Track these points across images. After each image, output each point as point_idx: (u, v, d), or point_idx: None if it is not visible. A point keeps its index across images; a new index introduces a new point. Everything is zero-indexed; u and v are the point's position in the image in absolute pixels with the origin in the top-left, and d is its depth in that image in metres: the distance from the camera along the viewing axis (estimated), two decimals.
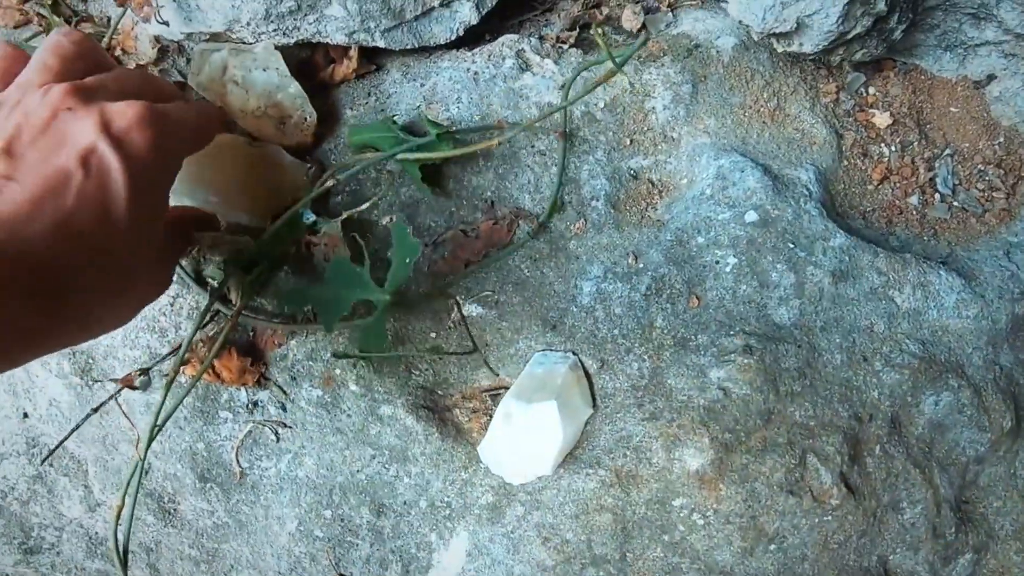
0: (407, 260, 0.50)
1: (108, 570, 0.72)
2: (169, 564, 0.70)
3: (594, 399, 0.59)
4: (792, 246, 0.58)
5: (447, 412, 0.61)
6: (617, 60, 0.47)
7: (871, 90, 0.70)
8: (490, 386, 0.63)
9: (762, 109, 0.65)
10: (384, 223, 0.61)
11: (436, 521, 0.62)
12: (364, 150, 0.60)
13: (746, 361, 0.55)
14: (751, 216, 0.58)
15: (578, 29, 0.69)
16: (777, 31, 0.57)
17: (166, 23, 0.63)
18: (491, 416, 0.62)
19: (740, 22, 0.61)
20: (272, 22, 0.61)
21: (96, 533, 0.70)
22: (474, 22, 0.67)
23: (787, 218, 0.59)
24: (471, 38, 0.70)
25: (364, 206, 0.55)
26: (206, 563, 0.69)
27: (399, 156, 0.56)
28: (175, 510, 0.67)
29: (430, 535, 0.63)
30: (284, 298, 0.59)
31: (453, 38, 0.68)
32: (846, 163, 0.66)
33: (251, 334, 0.62)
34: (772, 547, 0.56)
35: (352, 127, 0.61)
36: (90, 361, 0.63)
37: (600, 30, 0.56)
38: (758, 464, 0.54)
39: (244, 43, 0.66)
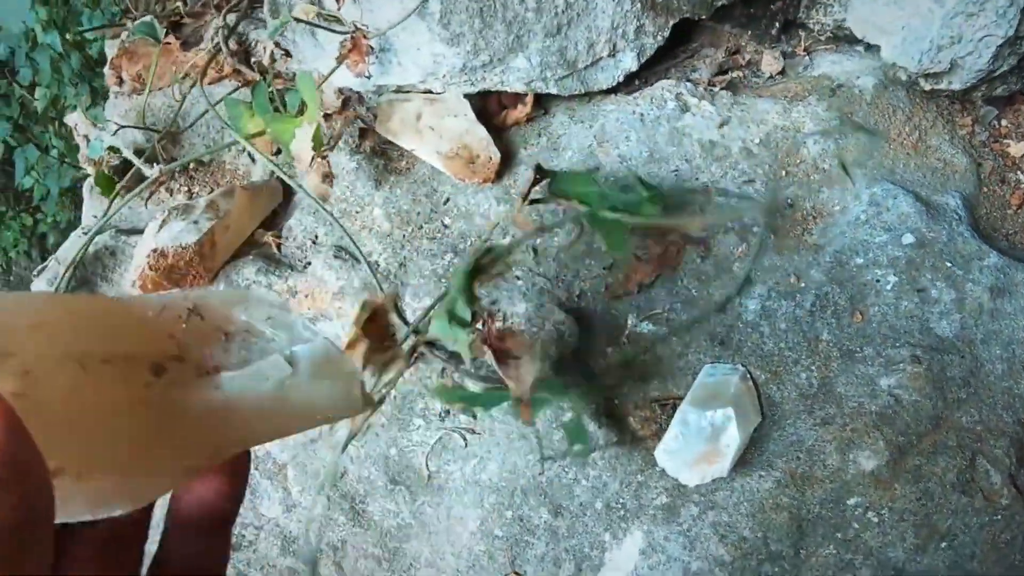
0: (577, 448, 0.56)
1: (298, 568, 0.79)
2: (353, 562, 0.77)
3: (761, 408, 0.65)
4: (949, 265, 0.63)
5: (623, 420, 0.67)
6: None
7: (1003, 122, 0.75)
8: (659, 396, 0.69)
9: (905, 141, 0.71)
10: None
11: (611, 521, 0.68)
12: (564, 197, 0.67)
13: (915, 370, 0.59)
14: (908, 238, 0.64)
15: (728, 72, 0.76)
16: (931, 71, 0.63)
17: (368, 76, 0.73)
18: (661, 424, 0.67)
19: (892, 63, 0.67)
20: (464, 74, 0.70)
21: (290, 532, 0.77)
22: (634, 69, 0.75)
23: (942, 240, 0.64)
24: (624, 83, 0.78)
25: (554, 247, 0.62)
26: (387, 561, 0.76)
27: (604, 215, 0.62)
28: (364, 511, 0.74)
29: (604, 535, 0.68)
30: None
31: (614, 84, 0.75)
32: (985, 189, 0.71)
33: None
34: (943, 545, 0.60)
35: (559, 174, 0.68)
36: None
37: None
38: (930, 465, 0.59)
39: (432, 92, 0.74)
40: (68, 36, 1.66)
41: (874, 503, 0.60)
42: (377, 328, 0.44)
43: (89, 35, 1.64)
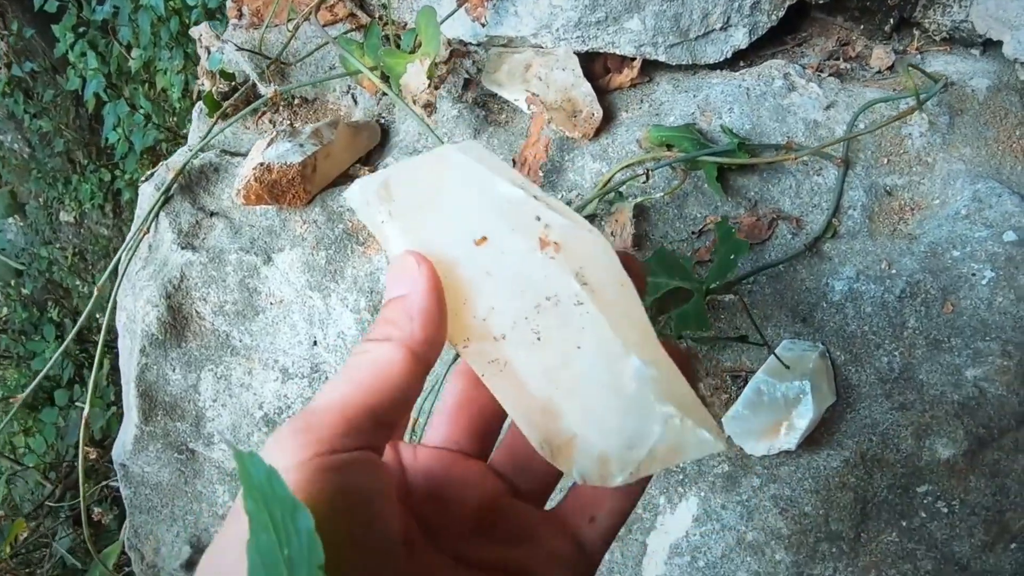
0: (731, 256, 0.57)
1: None
2: None
3: (837, 389, 0.64)
4: None
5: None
6: (920, 99, 0.54)
7: None
8: (732, 367, 0.69)
9: (1015, 145, 0.70)
10: (705, 217, 0.68)
11: (668, 485, 0.68)
12: (661, 146, 0.68)
13: (1004, 364, 0.58)
14: (1010, 236, 0.63)
15: (840, 59, 0.76)
16: None
17: (484, 24, 0.75)
18: (731, 395, 0.67)
19: (1014, 59, 0.66)
20: (578, 29, 0.71)
21: None
22: (744, 46, 0.75)
23: None
24: (730, 62, 0.79)
25: (659, 194, 0.63)
26: None
27: (703, 158, 0.64)
28: None
29: (659, 498, 0.68)
30: None
31: (721, 59, 0.76)
32: None
33: None
34: (1013, 546, 0.58)
35: (655, 126, 0.70)
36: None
37: (908, 70, 0.63)
38: (1009, 461, 0.57)
39: (542, 47, 0.76)
40: (171, 2, 1.73)
41: (945, 493, 0.59)
42: None
43: (190, 2, 1.71)
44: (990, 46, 0.74)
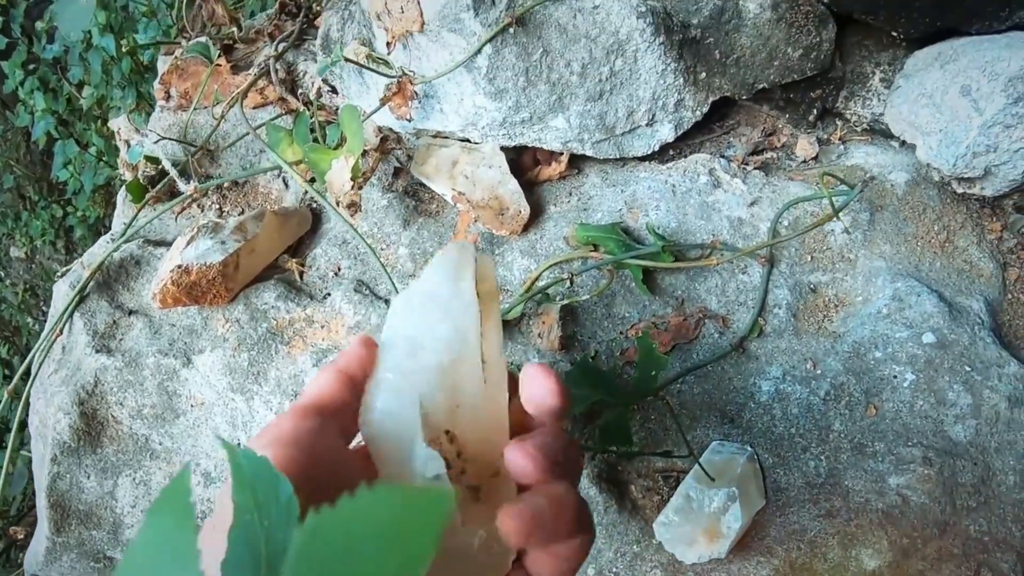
0: (652, 373, 0.56)
1: None
2: None
3: (766, 491, 0.64)
4: (969, 369, 0.62)
5: (625, 487, 0.67)
6: (836, 206, 0.55)
7: None
8: (664, 467, 0.68)
9: (933, 240, 0.71)
10: (633, 317, 0.68)
11: None
12: (588, 245, 0.68)
13: (926, 472, 0.59)
14: (928, 337, 0.63)
15: (766, 150, 0.77)
16: (964, 176, 0.63)
17: (409, 119, 0.74)
18: (663, 495, 0.66)
19: (927, 164, 0.68)
20: (504, 128, 0.71)
21: None
22: (670, 140, 0.76)
23: (963, 342, 0.64)
24: (658, 152, 0.79)
25: (585, 297, 0.62)
26: None
27: (628, 260, 0.64)
28: None
29: None
30: None
31: (649, 152, 0.76)
32: (1010, 296, 0.71)
33: None
34: None
35: (581, 224, 0.70)
36: None
37: (820, 179, 0.64)
38: (934, 572, 0.57)
39: (470, 142, 0.76)
40: (123, 42, 1.71)
41: None
42: None
43: (141, 42, 1.69)
44: None
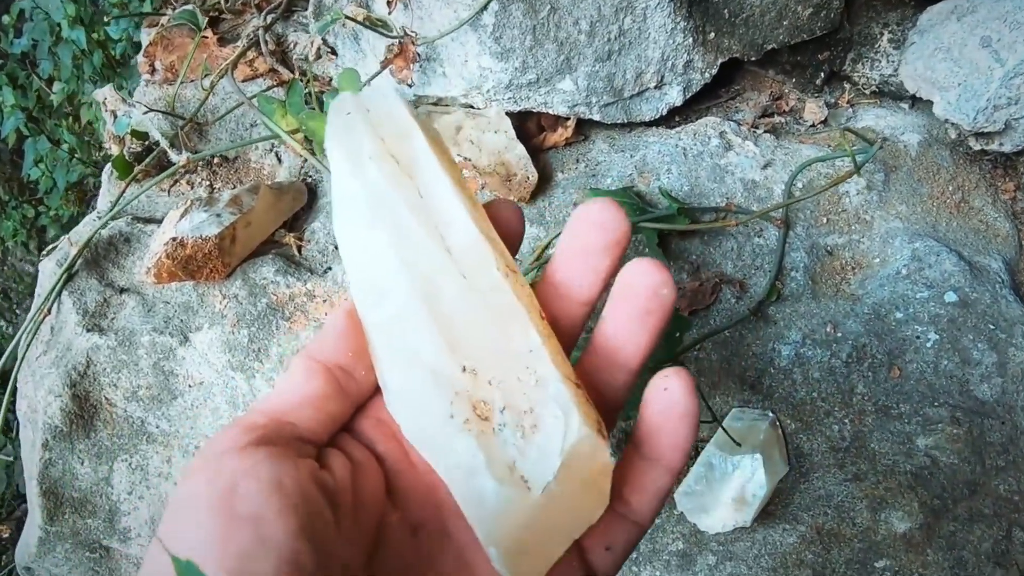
0: (676, 334, 0.54)
1: None
2: None
3: (789, 458, 0.62)
4: (992, 327, 0.61)
5: None
6: (858, 162, 0.53)
7: None
8: None
9: (948, 200, 0.70)
10: None
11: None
12: None
13: (954, 431, 0.57)
14: (951, 296, 0.62)
15: (774, 114, 0.76)
16: (984, 130, 0.62)
17: (411, 84, 0.71)
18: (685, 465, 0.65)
19: (944, 120, 0.66)
20: (510, 91, 0.69)
21: None
22: (679, 103, 0.74)
23: (985, 301, 0.62)
24: (665, 118, 0.77)
25: None
26: None
27: (643, 224, 0.62)
28: None
29: None
30: None
31: (657, 117, 0.74)
32: None
33: None
34: None
35: (592, 189, 0.67)
36: None
37: (841, 135, 0.62)
38: (965, 532, 0.56)
39: (473, 108, 0.73)
40: (94, 35, 1.66)
41: (904, 568, 0.57)
42: None
43: (113, 36, 1.64)
44: (919, 100, 0.75)
